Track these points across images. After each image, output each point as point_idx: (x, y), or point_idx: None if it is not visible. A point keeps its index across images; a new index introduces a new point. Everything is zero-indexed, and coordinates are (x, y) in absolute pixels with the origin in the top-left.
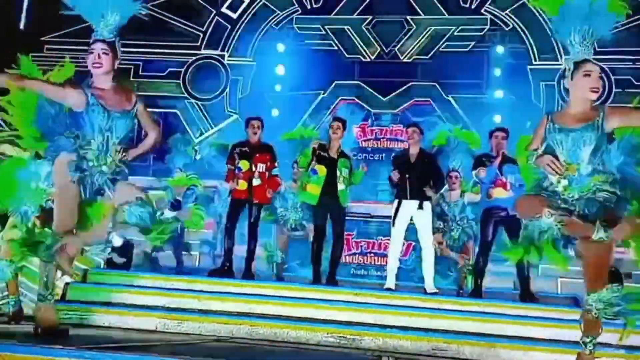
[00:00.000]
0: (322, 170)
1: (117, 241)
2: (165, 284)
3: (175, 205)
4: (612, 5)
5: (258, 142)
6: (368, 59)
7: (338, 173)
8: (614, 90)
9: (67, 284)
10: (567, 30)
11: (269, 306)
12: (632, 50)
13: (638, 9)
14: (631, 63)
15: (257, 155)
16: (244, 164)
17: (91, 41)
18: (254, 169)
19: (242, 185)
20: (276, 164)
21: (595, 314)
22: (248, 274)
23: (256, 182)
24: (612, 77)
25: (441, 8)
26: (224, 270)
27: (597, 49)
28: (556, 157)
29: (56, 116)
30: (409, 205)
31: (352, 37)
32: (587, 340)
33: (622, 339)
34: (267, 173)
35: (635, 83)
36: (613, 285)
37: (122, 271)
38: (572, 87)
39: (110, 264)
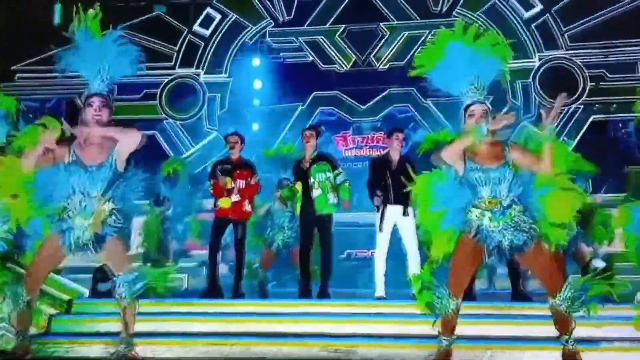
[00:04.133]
0: (299, 186)
1: (104, 287)
2: (152, 309)
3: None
4: (494, 50)
5: (239, 158)
6: (344, 69)
7: (311, 180)
8: (588, 84)
9: (51, 315)
10: (449, 84)
11: (261, 324)
12: (604, 44)
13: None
14: (603, 56)
15: (238, 171)
16: (228, 181)
17: (87, 95)
18: (234, 185)
19: (226, 202)
20: (257, 180)
21: (564, 312)
22: (237, 293)
23: (235, 198)
24: (586, 72)
25: (412, 13)
26: (212, 292)
27: (569, 44)
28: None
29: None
30: (394, 210)
31: (326, 47)
32: (566, 337)
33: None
34: (247, 189)
35: (609, 76)
36: (570, 279)
37: (107, 299)
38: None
39: (94, 292)
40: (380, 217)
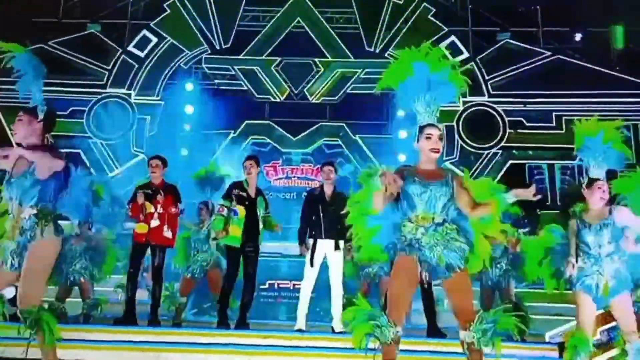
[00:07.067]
0: (241, 210)
1: (9, 293)
2: (65, 335)
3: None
4: (453, 77)
5: (161, 182)
6: (278, 100)
7: (258, 213)
8: (507, 130)
9: None
10: (410, 101)
11: (177, 354)
12: (524, 94)
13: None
14: (522, 105)
15: (160, 196)
16: (148, 206)
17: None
18: (154, 210)
19: (142, 227)
20: (179, 205)
21: (476, 344)
22: (154, 321)
23: (154, 223)
24: (506, 118)
25: (347, 51)
26: (127, 319)
27: (492, 92)
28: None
29: None
30: (325, 245)
31: (262, 77)
32: None
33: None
34: (167, 214)
35: (527, 124)
36: (481, 311)
37: (15, 323)
38: (419, 148)
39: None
40: (312, 250)
